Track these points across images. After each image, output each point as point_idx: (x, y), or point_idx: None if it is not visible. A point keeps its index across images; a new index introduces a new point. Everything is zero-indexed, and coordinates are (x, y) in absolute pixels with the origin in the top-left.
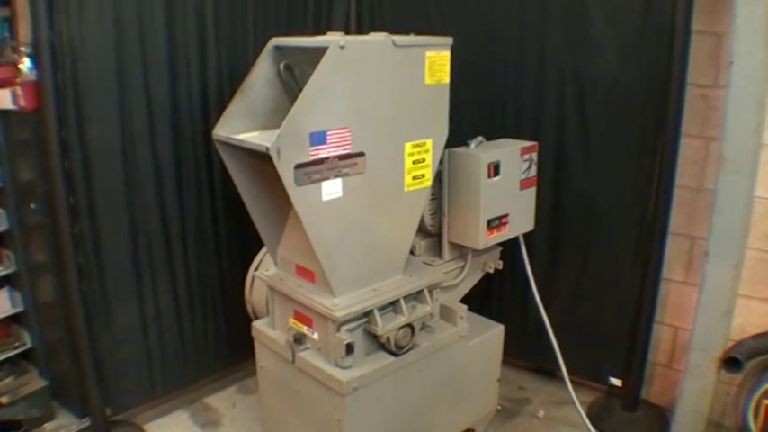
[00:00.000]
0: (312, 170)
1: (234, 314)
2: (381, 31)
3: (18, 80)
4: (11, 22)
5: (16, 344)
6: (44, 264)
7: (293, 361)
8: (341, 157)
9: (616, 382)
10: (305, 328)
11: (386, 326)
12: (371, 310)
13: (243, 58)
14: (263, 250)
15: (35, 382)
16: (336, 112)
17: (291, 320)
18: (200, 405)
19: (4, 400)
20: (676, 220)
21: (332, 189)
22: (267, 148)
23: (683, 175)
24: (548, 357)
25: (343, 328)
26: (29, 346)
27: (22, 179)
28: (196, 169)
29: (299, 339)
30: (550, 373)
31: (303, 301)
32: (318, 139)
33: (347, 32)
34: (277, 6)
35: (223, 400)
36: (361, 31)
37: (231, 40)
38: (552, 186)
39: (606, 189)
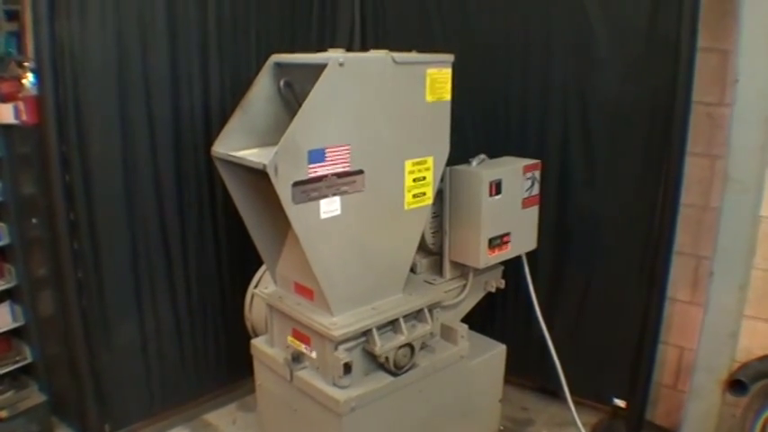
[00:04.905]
0: (310, 188)
1: (234, 331)
2: (385, 48)
3: (20, 95)
4: (19, 36)
5: (17, 358)
6: (45, 278)
7: (291, 380)
8: (339, 175)
9: (620, 403)
10: (303, 346)
11: (385, 345)
12: (370, 330)
13: (246, 74)
14: (263, 267)
15: (35, 396)
16: (335, 130)
17: (290, 339)
18: (199, 422)
19: (4, 414)
20: (682, 238)
21: (330, 207)
22: (264, 166)
23: (689, 194)
24: (551, 377)
25: (341, 347)
26: (29, 360)
27: (23, 193)
28: (197, 185)
29: (298, 358)
30: (554, 393)
31: (301, 319)
32: (317, 156)
33: (351, 49)
34: (281, 23)
35: (223, 417)
36: (365, 47)
37: (234, 56)
38: (556, 204)
39: (610, 207)
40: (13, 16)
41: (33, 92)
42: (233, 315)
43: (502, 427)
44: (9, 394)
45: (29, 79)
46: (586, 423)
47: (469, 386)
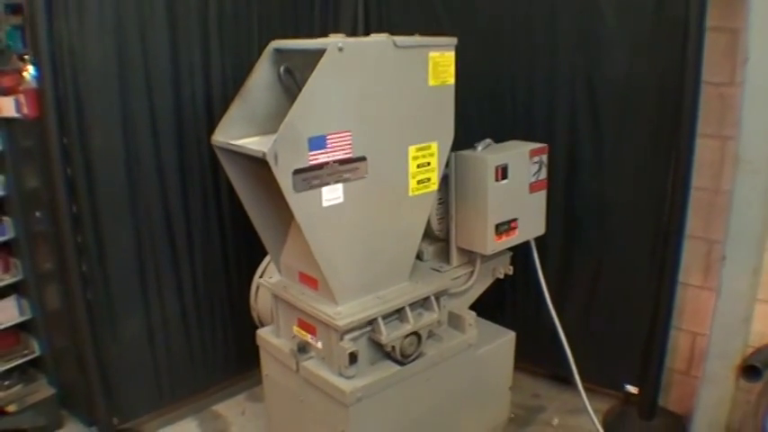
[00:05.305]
0: (311, 175)
1: (242, 320)
2: (389, 32)
3: (21, 87)
4: (23, 30)
5: (25, 352)
6: (50, 272)
7: (297, 370)
8: (341, 162)
9: (632, 389)
10: (309, 336)
11: (391, 334)
12: (376, 319)
13: (248, 62)
14: (269, 257)
15: (44, 390)
16: (336, 116)
17: (295, 329)
18: (208, 413)
19: (12, 408)
20: (693, 222)
21: (332, 195)
22: (264, 154)
23: (700, 177)
24: (562, 364)
25: (347, 336)
26: (37, 354)
27: (27, 187)
28: (201, 175)
29: (303, 348)
30: (566, 379)
31: (306, 309)
32: (317, 143)
33: (354, 34)
34: (282, 10)
35: (232, 408)
36: (368, 33)
37: (235, 44)
38: (564, 189)
39: (620, 191)
40: (17, 9)
41: (34, 84)
42: (240, 305)
43: (513, 415)
44: (18, 388)
45: (29, 72)
46: (598, 410)
47: (479, 374)
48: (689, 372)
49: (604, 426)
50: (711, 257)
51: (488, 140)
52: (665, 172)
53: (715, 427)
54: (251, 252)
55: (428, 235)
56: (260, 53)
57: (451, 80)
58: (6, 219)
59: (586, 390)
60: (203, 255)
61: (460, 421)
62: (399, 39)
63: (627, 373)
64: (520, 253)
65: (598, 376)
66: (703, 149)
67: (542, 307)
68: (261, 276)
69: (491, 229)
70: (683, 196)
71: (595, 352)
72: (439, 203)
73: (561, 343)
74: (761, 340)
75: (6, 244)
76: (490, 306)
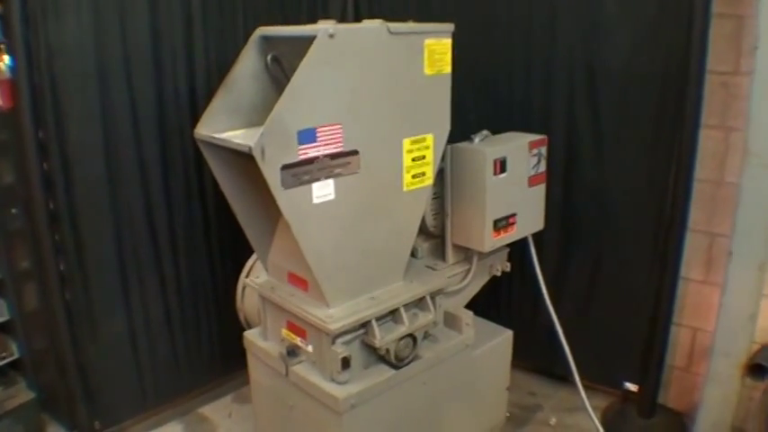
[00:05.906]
0: (301, 171)
1: (228, 320)
2: (382, 19)
3: None
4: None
5: (3, 354)
6: (28, 271)
7: (287, 375)
8: (332, 156)
9: (632, 387)
10: (298, 339)
11: (385, 337)
12: (369, 321)
13: (233, 51)
14: (256, 255)
15: (23, 394)
16: (327, 108)
17: (284, 331)
18: (194, 416)
19: None
20: (695, 215)
21: (323, 191)
22: (250, 148)
23: (703, 169)
24: (560, 361)
25: (339, 340)
26: (16, 356)
27: (3, 183)
28: (185, 170)
29: (293, 352)
30: (563, 377)
31: (296, 311)
32: (307, 136)
33: (344, 21)
34: None
35: (218, 411)
36: (359, 19)
37: (220, 32)
38: (563, 182)
39: (621, 184)
40: None
41: (9, 75)
42: (226, 304)
43: (509, 414)
44: None
45: (5, 61)
46: (597, 407)
47: (475, 375)
48: (689, 368)
49: (603, 424)
50: (713, 251)
51: (486, 132)
52: (666, 164)
53: (720, 427)
54: (237, 249)
55: (423, 231)
56: (246, 40)
57: (448, 69)
58: None
59: (584, 387)
60: (187, 252)
61: (456, 423)
62: (394, 25)
63: (626, 371)
64: (517, 248)
65: (596, 374)
66: (706, 140)
67: (539, 304)
68: (247, 276)
69: (489, 226)
70: (686, 189)
71: (594, 349)
72: (434, 198)
73: (559, 340)
74: (767, 337)
75: None
76: (486, 304)
